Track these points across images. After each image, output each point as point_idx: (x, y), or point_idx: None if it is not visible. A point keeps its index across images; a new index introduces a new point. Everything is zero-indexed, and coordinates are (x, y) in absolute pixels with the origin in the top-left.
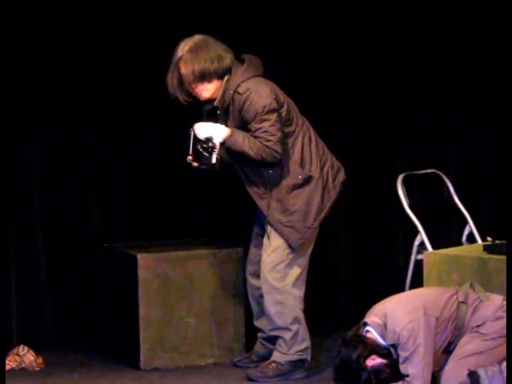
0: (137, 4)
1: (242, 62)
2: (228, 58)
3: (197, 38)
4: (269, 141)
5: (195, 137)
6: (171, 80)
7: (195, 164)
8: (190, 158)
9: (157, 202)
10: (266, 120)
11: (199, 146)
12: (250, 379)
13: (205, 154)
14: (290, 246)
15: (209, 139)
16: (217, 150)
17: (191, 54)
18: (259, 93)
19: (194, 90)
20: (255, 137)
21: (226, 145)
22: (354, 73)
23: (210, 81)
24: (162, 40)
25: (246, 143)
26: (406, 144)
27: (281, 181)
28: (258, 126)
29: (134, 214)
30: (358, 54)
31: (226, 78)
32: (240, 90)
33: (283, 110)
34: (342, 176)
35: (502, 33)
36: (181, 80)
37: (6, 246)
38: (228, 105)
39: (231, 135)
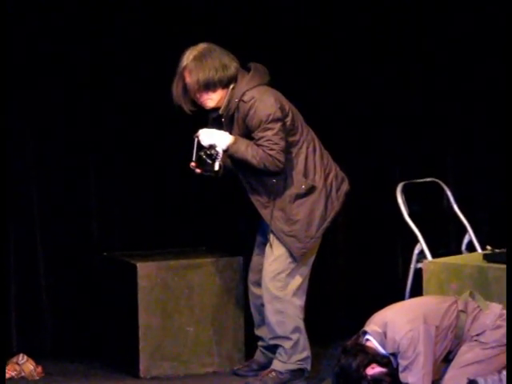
0: (137, 4)
1: (248, 70)
2: (233, 67)
3: (201, 46)
4: (272, 149)
5: (199, 143)
6: (176, 89)
7: (198, 170)
8: (193, 164)
9: (156, 211)
10: (269, 129)
11: (202, 153)
12: None
13: (208, 160)
14: (291, 255)
15: (212, 146)
16: (220, 157)
17: (195, 62)
18: (264, 101)
19: (198, 100)
20: (258, 145)
21: (229, 152)
22: (353, 79)
23: (214, 90)
24: (163, 41)
25: (248, 151)
26: (405, 152)
27: (284, 190)
28: (261, 134)
29: (133, 223)
30: (358, 57)
31: (231, 87)
32: (245, 98)
33: (288, 120)
34: (345, 187)
35: (503, 34)
36: (186, 89)
37: (5, 255)
38: (233, 113)
39: (234, 143)
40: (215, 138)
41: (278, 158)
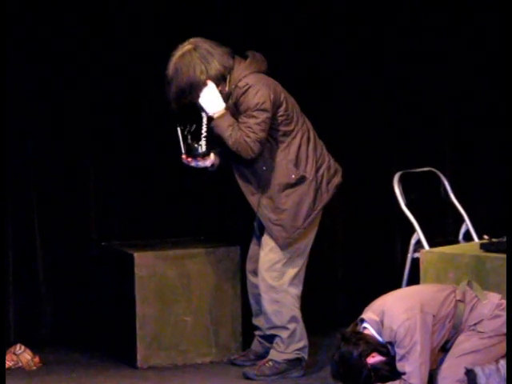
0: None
1: (246, 58)
2: (214, 67)
3: (186, 48)
4: (248, 137)
5: (183, 133)
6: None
7: (189, 160)
8: (184, 157)
9: (154, 201)
10: (253, 117)
11: (189, 141)
12: (247, 377)
13: (195, 145)
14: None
15: (195, 129)
16: (204, 133)
17: (172, 75)
18: (256, 89)
19: None
20: (239, 129)
21: (212, 124)
22: (352, 72)
23: (195, 98)
24: (163, 40)
25: (228, 130)
26: (402, 142)
27: (274, 179)
28: (245, 119)
29: (130, 213)
30: (357, 53)
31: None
32: (240, 84)
33: (281, 110)
34: (337, 179)
35: (502, 32)
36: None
37: (4, 245)
38: (228, 100)
39: (221, 117)
40: (212, 98)
41: (251, 146)
